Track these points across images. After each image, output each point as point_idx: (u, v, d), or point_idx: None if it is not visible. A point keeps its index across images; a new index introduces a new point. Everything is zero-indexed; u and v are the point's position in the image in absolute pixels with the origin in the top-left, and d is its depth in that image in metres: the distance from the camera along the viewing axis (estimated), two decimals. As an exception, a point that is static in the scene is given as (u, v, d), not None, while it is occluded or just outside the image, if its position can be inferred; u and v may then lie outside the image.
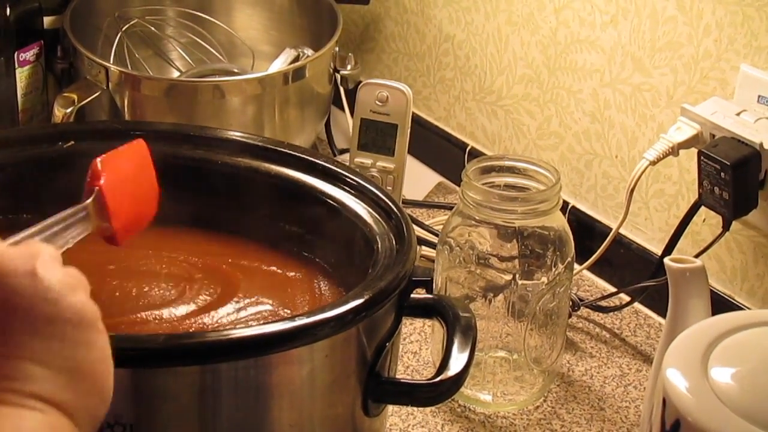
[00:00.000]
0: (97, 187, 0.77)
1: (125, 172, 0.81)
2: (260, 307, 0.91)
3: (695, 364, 0.78)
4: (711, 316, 0.87)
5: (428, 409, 1.08)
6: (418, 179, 1.42)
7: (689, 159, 1.16)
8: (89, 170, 0.78)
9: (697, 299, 0.86)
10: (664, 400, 0.77)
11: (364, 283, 0.82)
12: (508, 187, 1.09)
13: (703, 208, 1.10)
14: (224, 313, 0.90)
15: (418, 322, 1.20)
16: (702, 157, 1.06)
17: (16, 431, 0.61)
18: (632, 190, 1.13)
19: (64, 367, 0.63)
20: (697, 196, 1.10)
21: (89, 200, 0.77)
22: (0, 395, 0.62)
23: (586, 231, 1.27)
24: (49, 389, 0.62)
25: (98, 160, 0.78)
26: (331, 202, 0.95)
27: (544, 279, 1.06)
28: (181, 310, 0.90)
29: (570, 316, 1.18)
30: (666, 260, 0.87)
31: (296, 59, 1.36)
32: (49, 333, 0.63)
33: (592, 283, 1.27)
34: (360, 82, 1.28)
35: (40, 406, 0.62)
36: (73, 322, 0.63)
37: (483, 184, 1.07)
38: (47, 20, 1.34)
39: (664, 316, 1.20)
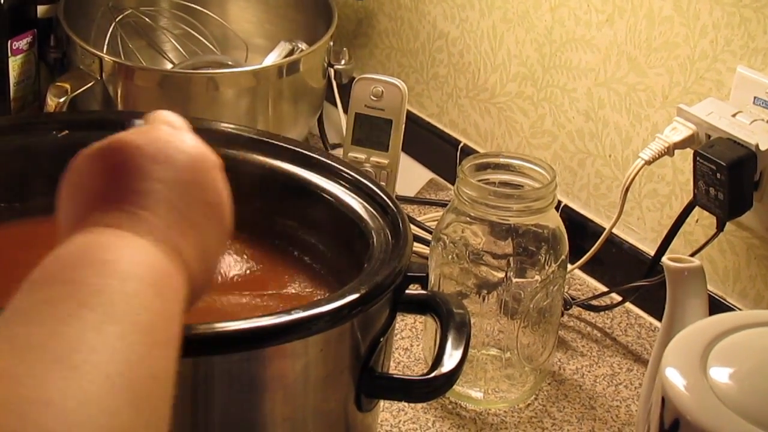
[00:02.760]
0: None
1: None
2: (251, 300, 0.91)
3: (694, 363, 0.78)
4: (708, 317, 0.86)
5: (419, 405, 1.08)
6: (410, 175, 1.42)
7: (683, 159, 1.16)
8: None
9: (695, 299, 0.86)
10: (663, 400, 0.77)
11: (360, 277, 0.82)
12: (503, 184, 1.09)
13: (696, 208, 1.10)
14: (213, 305, 0.89)
15: (410, 318, 1.19)
16: (698, 158, 1.05)
17: (123, 255, 0.53)
18: (627, 190, 1.13)
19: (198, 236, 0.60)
20: (690, 197, 1.10)
21: None
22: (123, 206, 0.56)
23: (579, 230, 1.26)
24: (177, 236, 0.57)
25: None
26: (326, 196, 0.94)
27: (538, 277, 1.06)
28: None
29: (562, 314, 1.18)
30: (664, 260, 0.87)
31: (290, 53, 1.36)
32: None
33: (583, 282, 1.27)
34: (354, 77, 1.28)
35: (163, 247, 0.56)
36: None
37: (478, 180, 1.06)
38: (41, 9, 1.33)
39: (655, 315, 1.21)
